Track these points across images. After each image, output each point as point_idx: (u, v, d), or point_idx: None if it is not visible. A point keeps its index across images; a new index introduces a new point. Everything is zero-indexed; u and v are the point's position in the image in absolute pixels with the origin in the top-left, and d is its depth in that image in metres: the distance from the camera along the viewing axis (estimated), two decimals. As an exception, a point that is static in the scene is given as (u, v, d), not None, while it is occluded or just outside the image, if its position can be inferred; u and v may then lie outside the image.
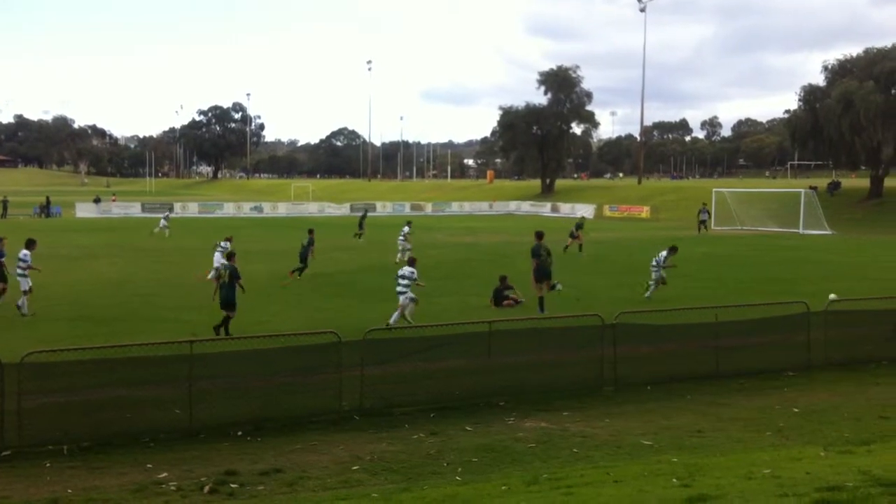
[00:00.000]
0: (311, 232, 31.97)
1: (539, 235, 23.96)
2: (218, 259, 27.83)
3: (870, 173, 73.75)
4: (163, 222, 53.16)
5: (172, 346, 14.06)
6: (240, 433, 13.28)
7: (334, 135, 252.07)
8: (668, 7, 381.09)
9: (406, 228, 37.99)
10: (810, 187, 68.04)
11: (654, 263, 26.30)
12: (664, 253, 26.40)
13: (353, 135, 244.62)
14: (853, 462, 9.40)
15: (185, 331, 18.59)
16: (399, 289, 21.20)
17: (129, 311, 23.26)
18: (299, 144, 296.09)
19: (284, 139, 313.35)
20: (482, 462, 11.75)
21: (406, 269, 21.46)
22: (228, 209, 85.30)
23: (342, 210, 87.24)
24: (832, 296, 20.82)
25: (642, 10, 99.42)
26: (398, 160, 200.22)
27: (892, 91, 66.91)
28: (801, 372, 17.27)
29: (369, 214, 55.62)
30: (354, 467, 11.64)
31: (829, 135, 67.94)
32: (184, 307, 23.84)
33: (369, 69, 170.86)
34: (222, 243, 30.65)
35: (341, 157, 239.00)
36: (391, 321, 20.33)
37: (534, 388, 15.56)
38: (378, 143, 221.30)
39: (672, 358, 16.91)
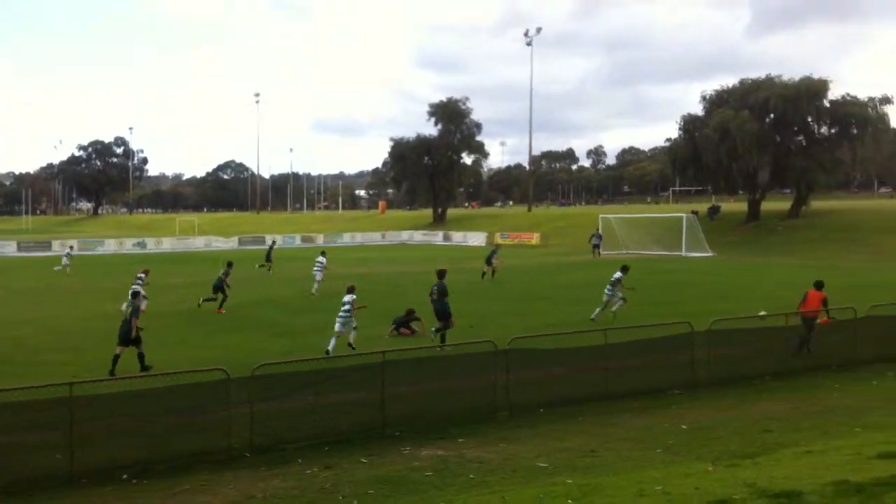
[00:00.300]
0: (229, 265, 32.14)
1: (441, 274, 23.62)
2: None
3: (747, 197, 76.90)
4: (65, 259, 51.48)
5: (51, 388, 13.42)
6: (124, 476, 12.75)
7: (221, 168, 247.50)
8: (553, 41, 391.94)
9: (322, 259, 37.42)
10: (692, 212, 70.51)
11: (609, 286, 27.15)
12: (618, 274, 27.25)
13: (240, 167, 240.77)
14: (740, 475, 9.66)
15: (65, 373, 17.78)
16: (340, 315, 21.65)
17: (2, 355, 22.11)
18: (185, 178, 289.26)
19: (169, 173, 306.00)
20: (378, 494, 11.57)
21: (347, 297, 21.93)
22: (110, 245, 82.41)
23: (230, 244, 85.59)
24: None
25: (528, 45, 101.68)
26: (288, 192, 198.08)
27: (766, 120, 70.21)
28: (687, 390, 17.74)
29: (276, 246, 54.88)
30: (246, 506, 11.30)
31: (707, 162, 70.54)
32: (60, 349, 22.85)
33: (257, 101, 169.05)
34: (139, 275, 31.60)
35: (229, 190, 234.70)
36: (329, 348, 20.97)
37: (429, 417, 15.49)
38: (267, 176, 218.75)
39: (563, 381, 17.11)
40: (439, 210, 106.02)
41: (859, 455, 10.18)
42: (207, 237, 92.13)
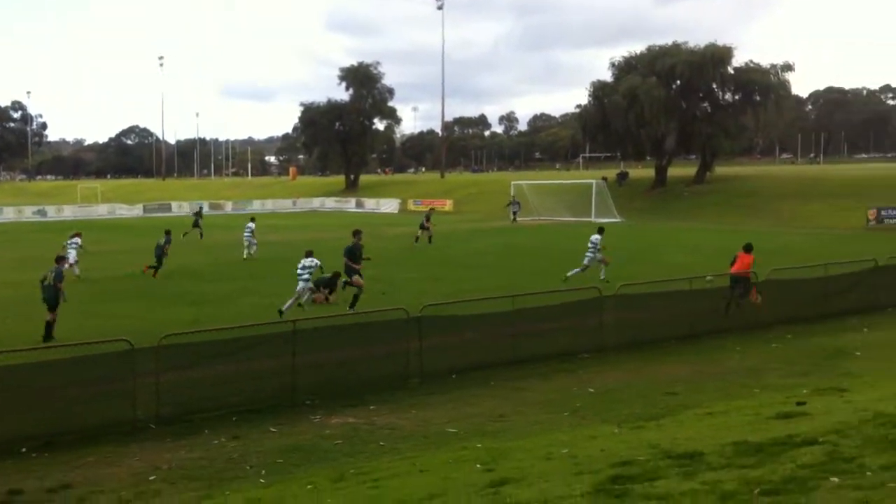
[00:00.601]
0: (167, 233, 32.85)
1: (356, 234, 23.88)
2: (73, 256, 30.05)
3: (654, 164, 78.50)
4: None
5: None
6: (24, 450, 12.42)
7: (125, 133, 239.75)
8: (464, 4, 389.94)
9: (251, 224, 37.65)
10: (602, 178, 71.64)
11: (590, 246, 27.82)
12: (597, 236, 27.94)
13: (145, 132, 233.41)
14: (644, 437, 9.88)
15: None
16: (302, 276, 22.47)
17: None
18: (86, 143, 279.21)
19: (70, 138, 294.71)
20: (288, 463, 11.49)
21: (307, 260, 22.69)
22: (9, 214, 79.14)
23: (135, 212, 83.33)
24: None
25: (440, 8, 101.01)
26: (195, 158, 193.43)
27: (673, 86, 71.58)
28: (595, 353, 18.08)
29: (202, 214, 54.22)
30: (151, 477, 11.11)
31: (616, 128, 71.64)
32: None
33: (161, 65, 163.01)
34: (72, 240, 31.62)
35: (133, 156, 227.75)
36: (284, 308, 21.54)
37: (341, 385, 15.44)
38: (172, 141, 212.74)
39: (475, 346, 17.25)
40: (352, 176, 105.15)
41: (758, 415, 10.51)
42: (111, 204, 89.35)
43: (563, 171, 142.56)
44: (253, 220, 38.60)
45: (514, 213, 61.45)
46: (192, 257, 37.56)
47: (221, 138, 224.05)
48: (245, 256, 36.39)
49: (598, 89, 74.90)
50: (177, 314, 22.35)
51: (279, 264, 34.71)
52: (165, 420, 13.60)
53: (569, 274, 27.05)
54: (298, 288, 22.51)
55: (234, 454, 11.96)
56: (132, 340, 13.82)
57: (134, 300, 25.45)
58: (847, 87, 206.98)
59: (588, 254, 27.89)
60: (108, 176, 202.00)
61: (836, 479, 6.22)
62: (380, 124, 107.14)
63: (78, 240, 31.81)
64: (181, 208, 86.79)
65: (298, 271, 22.63)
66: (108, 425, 13.36)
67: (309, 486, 9.75)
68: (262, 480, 10.73)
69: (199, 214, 51.09)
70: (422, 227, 42.80)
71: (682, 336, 19.52)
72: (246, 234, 37.30)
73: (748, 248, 22.26)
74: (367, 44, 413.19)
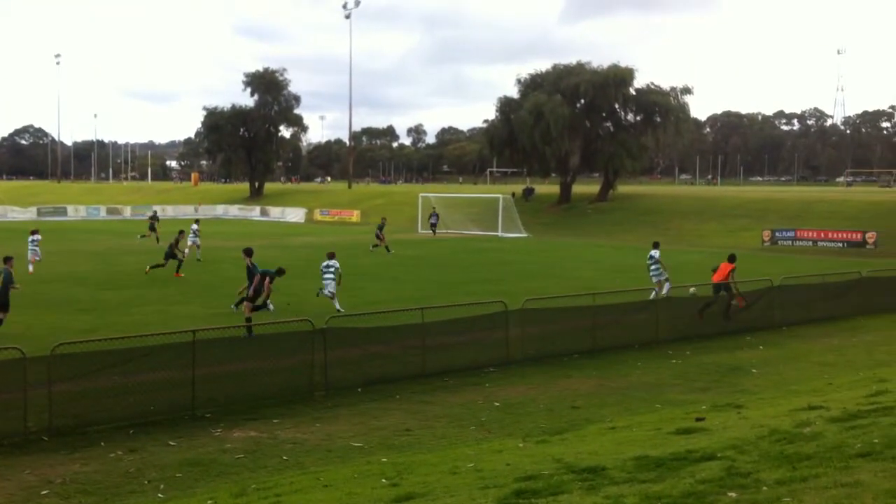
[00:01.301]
0: (180, 233, 34.83)
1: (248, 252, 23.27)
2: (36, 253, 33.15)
3: (559, 180, 79.80)
4: None
5: None
6: None
7: (18, 132, 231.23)
8: (373, 15, 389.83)
9: (195, 226, 39.79)
10: (511, 193, 72.45)
11: (653, 265, 26.22)
12: (656, 252, 26.45)
13: (39, 132, 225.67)
14: (548, 451, 9.98)
15: None
16: (327, 277, 24.30)
17: None
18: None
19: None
20: (187, 477, 11.19)
21: (330, 262, 24.52)
22: None
23: (28, 214, 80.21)
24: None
25: (347, 17, 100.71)
26: (92, 160, 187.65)
27: (577, 105, 72.96)
28: (501, 367, 18.18)
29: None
30: (44, 492, 10.70)
31: (522, 144, 72.52)
32: None
33: (58, 63, 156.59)
34: (33, 237, 33.77)
35: (26, 156, 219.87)
36: (338, 307, 23.37)
37: (243, 398, 15.11)
38: (69, 143, 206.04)
39: (382, 359, 17.13)
40: (256, 184, 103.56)
41: (659, 430, 10.74)
42: (3, 207, 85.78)
43: (471, 184, 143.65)
44: (197, 221, 41.60)
45: (433, 225, 61.74)
46: (85, 265, 36.31)
47: (121, 141, 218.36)
48: (199, 258, 38.17)
49: (505, 105, 75.78)
50: (71, 322, 21.59)
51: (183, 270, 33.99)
52: (59, 432, 13.08)
53: (651, 297, 24.38)
54: (327, 291, 24.28)
55: (131, 468, 11.59)
56: (23, 349, 13.26)
57: (25, 308, 24.38)
58: (743, 111, 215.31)
59: (653, 270, 26.27)
60: (3, 177, 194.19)
61: (733, 494, 6.37)
62: (286, 132, 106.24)
63: (38, 236, 34.30)
64: (77, 212, 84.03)
65: (323, 270, 24.52)
66: (-5, 437, 12.76)
67: (209, 502, 9.53)
68: (160, 495, 10.44)
69: (154, 218, 52.11)
70: (378, 236, 44.95)
71: (584, 350, 19.81)
72: (192, 236, 38.68)
73: (731, 259, 23.63)
74: (274, 49, 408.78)
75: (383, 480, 9.28)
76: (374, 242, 44.86)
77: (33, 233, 34.57)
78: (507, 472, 8.69)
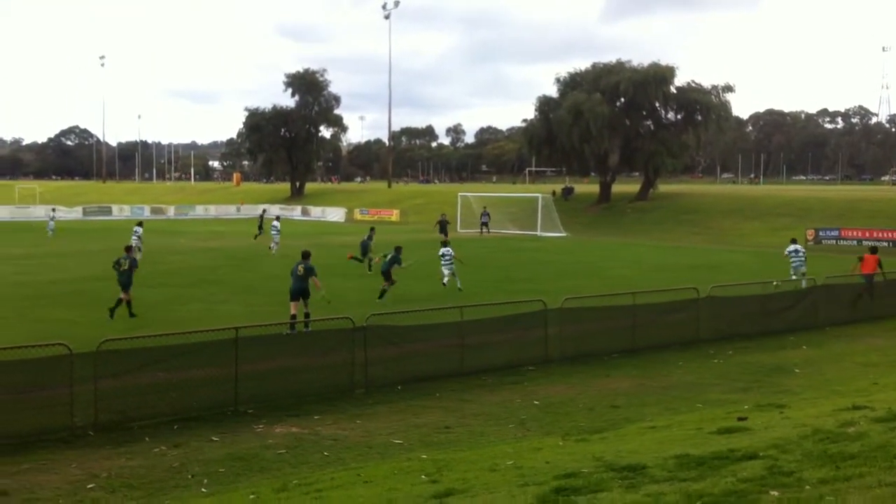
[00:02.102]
0: (372, 230, 37.92)
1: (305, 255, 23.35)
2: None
3: (599, 180, 79.29)
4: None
5: None
6: (-45, 458, 12.01)
7: (64, 133, 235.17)
8: (412, 15, 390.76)
9: (276, 223, 42.66)
10: (552, 192, 72.12)
11: (796, 257, 28.30)
12: (797, 245, 28.63)
13: (85, 133, 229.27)
14: (588, 449, 9.96)
15: None
16: (444, 264, 28.48)
17: None
18: (24, 143, 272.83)
19: (8, 137, 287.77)
20: (229, 472, 11.34)
21: (445, 249, 28.61)
22: (-57, 213, 77.08)
23: (73, 214, 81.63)
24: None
25: (387, 17, 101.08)
26: (136, 161, 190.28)
27: (617, 103, 72.43)
28: (540, 366, 18.16)
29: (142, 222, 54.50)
30: (90, 485, 10.88)
31: (561, 143, 72.15)
32: None
33: (102, 65, 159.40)
34: (136, 228, 38.46)
35: (72, 157, 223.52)
36: (459, 286, 27.66)
37: (284, 394, 15.25)
38: (113, 143, 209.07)
39: (420, 357, 17.19)
40: (297, 184, 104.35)
41: (700, 430, 10.67)
42: (49, 206, 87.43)
43: (510, 184, 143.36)
44: (278, 218, 45.25)
45: (485, 224, 61.64)
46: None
47: (164, 141, 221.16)
48: (273, 251, 40.88)
49: (544, 104, 75.44)
50: (116, 319, 21.94)
51: (220, 271, 34.41)
52: (104, 427, 13.29)
53: (803, 284, 26.34)
54: (446, 274, 28.09)
55: (174, 463, 11.76)
56: (70, 345, 13.50)
57: (70, 307, 24.88)
58: (786, 109, 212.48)
59: (793, 260, 28.33)
60: (51, 177, 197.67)
61: (775, 493, 6.33)
62: (326, 132, 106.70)
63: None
64: (122, 212, 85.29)
65: (441, 257, 28.39)
66: (44, 432, 12.99)
67: (252, 497, 9.63)
68: (203, 490, 10.58)
69: (262, 216, 54.32)
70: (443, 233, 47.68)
71: (624, 350, 19.71)
72: (273, 231, 41.93)
73: (874, 250, 25.61)
74: (315, 50, 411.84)
75: (423, 477, 9.33)
76: (442, 239, 45.15)
77: (138, 225, 40.12)
78: (547, 469, 8.69)
